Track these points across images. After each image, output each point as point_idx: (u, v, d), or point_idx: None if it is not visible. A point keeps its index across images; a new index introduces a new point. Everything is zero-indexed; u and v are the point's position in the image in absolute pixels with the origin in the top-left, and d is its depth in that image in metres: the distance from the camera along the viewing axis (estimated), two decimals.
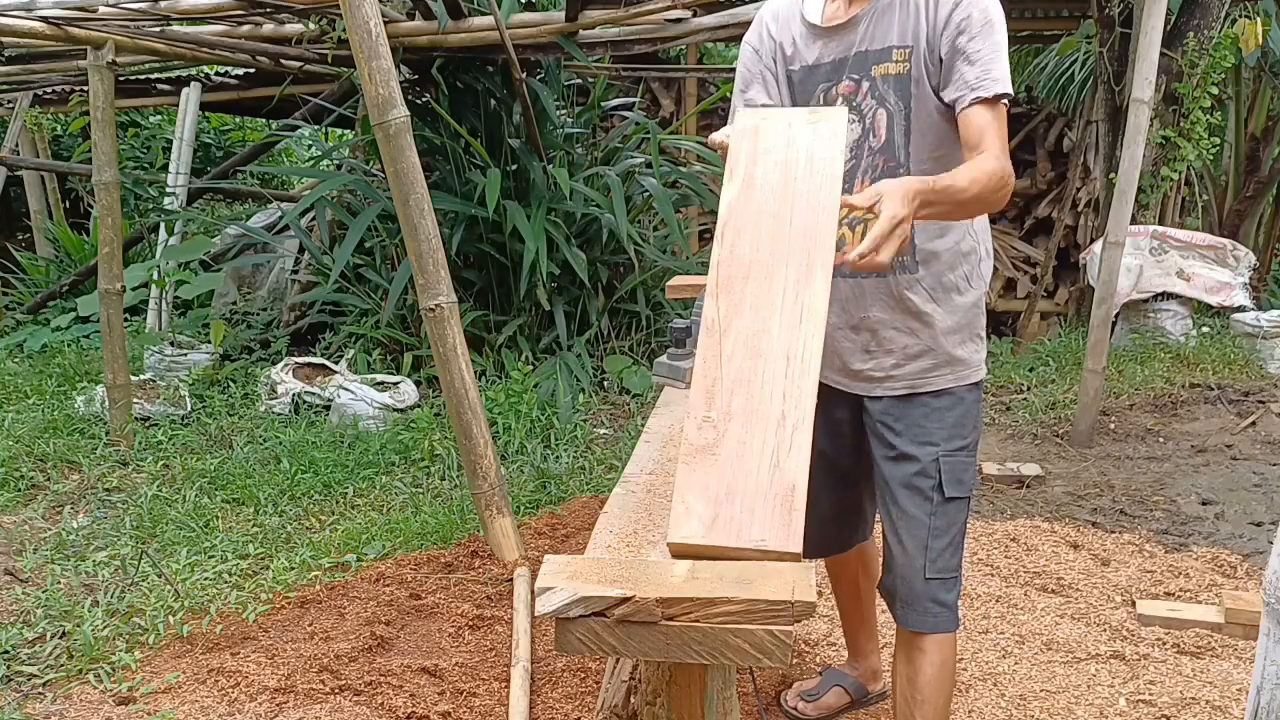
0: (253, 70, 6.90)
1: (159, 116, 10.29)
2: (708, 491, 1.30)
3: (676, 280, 2.85)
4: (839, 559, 2.40)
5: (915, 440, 1.89)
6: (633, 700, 1.58)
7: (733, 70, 2.09)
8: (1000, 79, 1.72)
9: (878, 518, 2.09)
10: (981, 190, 1.68)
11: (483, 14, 4.99)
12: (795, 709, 2.47)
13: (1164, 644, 2.79)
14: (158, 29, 4.80)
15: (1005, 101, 1.73)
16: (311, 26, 5.07)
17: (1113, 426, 4.83)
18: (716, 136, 1.76)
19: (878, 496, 2.00)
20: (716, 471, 1.31)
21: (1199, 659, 2.72)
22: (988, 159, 1.69)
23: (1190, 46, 6.16)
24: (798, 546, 1.26)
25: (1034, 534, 3.54)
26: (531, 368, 5.12)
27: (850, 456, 2.10)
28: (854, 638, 2.53)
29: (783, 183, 1.53)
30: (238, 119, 11.05)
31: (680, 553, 1.28)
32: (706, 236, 7.54)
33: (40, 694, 2.51)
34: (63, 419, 4.76)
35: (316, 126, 6.78)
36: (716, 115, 7.68)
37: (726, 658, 1.14)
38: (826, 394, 2.04)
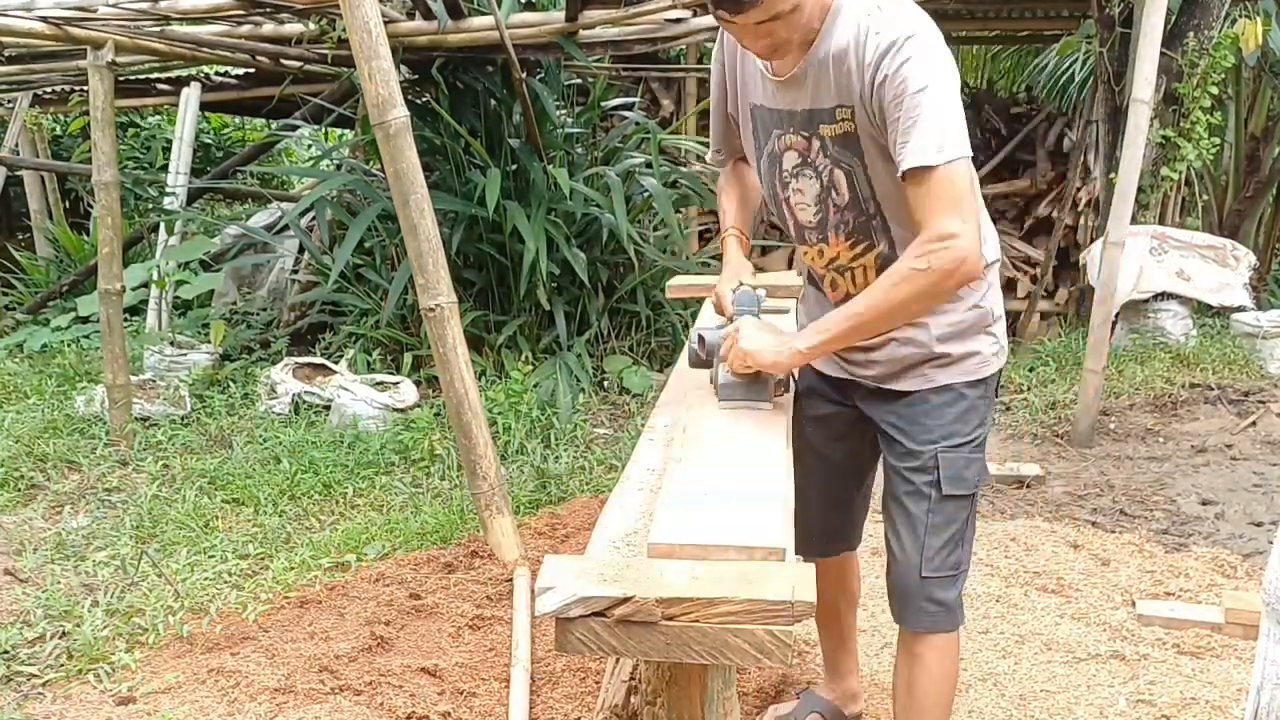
0: (253, 70, 6.89)
1: (159, 116, 10.28)
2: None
3: (676, 280, 2.85)
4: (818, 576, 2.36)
5: (915, 437, 1.89)
6: (633, 700, 1.58)
7: None
8: (914, 151, 1.59)
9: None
10: (892, 306, 1.66)
11: (483, 14, 4.99)
12: None
13: (1164, 644, 2.78)
14: (158, 29, 4.79)
15: (947, 163, 1.58)
16: (311, 26, 5.07)
17: (1113, 426, 4.83)
18: (723, 291, 1.90)
19: (883, 493, 1.99)
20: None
21: (1199, 659, 2.72)
22: (901, 267, 1.65)
23: (1190, 46, 6.16)
24: (783, 542, 1.26)
25: (1034, 534, 3.54)
26: (531, 368, 5.11)
27: (840, 451, 2.10)
28: (832, 658, 2.45)
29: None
30: (238, 119, 11.05)
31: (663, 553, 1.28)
32: (707, 236, 7.54)
33: (40, 694, 2.51)
34: (63, 419, 4.76)
35: (316, 126, 6.78)
36: None
37: (727, 658, 1.14)
38: (819, 386, 2.04)
